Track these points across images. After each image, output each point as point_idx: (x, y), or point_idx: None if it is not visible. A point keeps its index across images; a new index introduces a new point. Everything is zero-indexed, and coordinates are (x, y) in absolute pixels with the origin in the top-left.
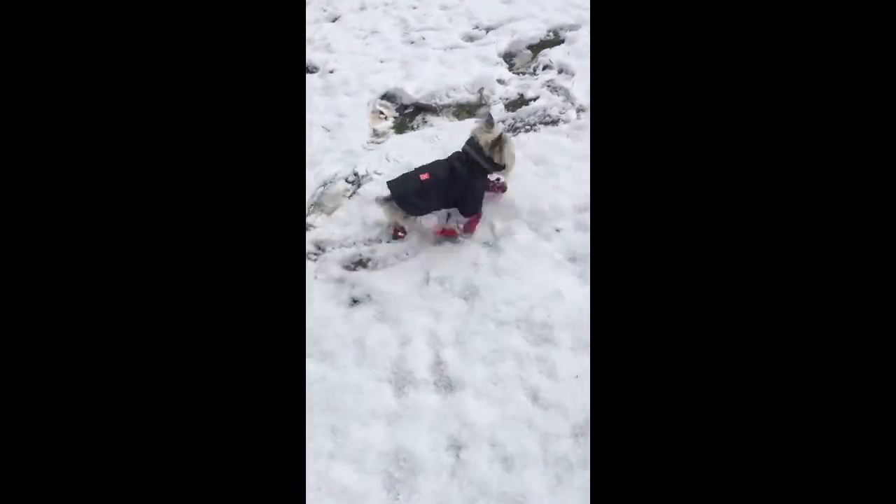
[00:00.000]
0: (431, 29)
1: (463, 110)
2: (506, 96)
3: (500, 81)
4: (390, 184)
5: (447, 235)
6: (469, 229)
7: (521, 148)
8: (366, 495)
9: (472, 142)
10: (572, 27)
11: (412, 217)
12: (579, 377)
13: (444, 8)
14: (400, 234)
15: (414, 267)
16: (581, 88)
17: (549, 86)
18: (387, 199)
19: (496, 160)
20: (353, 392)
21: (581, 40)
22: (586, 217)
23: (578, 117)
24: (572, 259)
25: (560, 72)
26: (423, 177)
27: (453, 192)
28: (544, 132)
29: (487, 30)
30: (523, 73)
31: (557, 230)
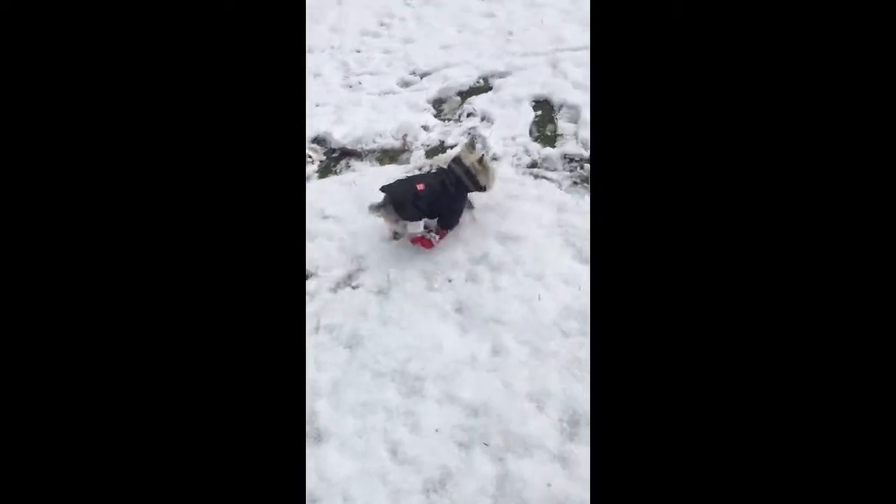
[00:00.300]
0: (370, 73)
1: (386, 156)
2: (427, 143)
3: (425, 128)
4: (386, 188)
5: (421, 244)
6: (425, 242)
7: None
8: None
9: (459, 162)
10: (502, 74)
11: (402, 222)
12: (439, 431)
13: (386, 52)
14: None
15: (308, 314)
16: (498, 136)
17: (468, 133)
18: (382, 205)
19: (481, 181)
20: None
21: (507, 88)
22: (479, 269)
23: None
24: (458, 310)
25: (482, 119)
26: (420, 187)
27: (439, 205)
28: None
29: (423, 75)
30: (449, 120)
31: (449, 280)
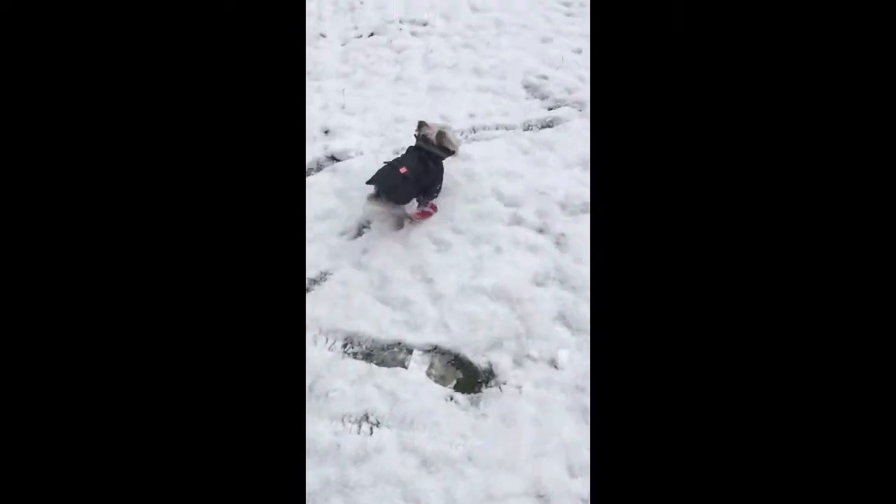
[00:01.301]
0: None
1: None
2: None
3: None
4: (373, 179)
5: (425, 217)
6: (426, 214)
7: None
8: None
9: (422, 137)
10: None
11: (398, 206)
12: None
13: None
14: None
15: None
16: None
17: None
18: (375, 196)
19: (449, 147)
20: None
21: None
22: None
23: None
24: None
25: None
26: (403, 170)
27: (426, 179)
28: None
29: None
30: None
31: None
